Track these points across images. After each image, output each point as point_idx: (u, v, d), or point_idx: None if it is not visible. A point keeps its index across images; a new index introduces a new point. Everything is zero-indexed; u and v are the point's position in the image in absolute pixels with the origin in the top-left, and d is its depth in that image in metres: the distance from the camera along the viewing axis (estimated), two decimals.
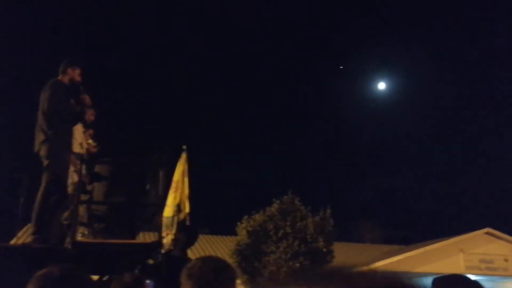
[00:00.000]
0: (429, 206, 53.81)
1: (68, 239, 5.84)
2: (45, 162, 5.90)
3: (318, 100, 54.51)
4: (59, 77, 6.31)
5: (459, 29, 46.31)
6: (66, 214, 6.36)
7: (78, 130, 7.03)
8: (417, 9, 44.52)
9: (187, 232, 6.09)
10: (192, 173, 6.83)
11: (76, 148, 6.80)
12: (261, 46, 52.83)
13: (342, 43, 54.98)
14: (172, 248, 6.07)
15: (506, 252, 20.96)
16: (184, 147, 6.80)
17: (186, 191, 6.57)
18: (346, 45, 55.39)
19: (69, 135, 6.29)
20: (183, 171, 6.62)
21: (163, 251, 6.09)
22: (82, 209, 6.48)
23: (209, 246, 22.34)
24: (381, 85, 28.55)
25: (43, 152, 5.91)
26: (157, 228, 6.40)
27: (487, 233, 21.78)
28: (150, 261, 6.22)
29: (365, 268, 19.45)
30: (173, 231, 6.20)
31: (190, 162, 6.79)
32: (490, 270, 20.25)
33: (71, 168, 6.40)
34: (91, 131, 7.52)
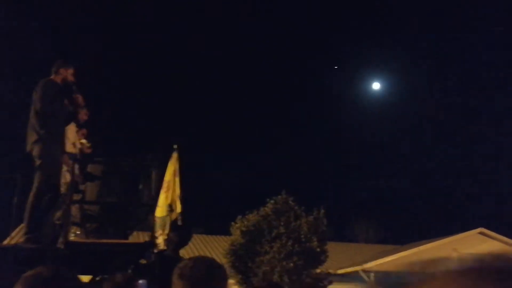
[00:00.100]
0: (423, 206, 53.98)
1: (60, 239, 5.83)
2: (38, 162, 5.88)
3: (312, 100, 54.56)
4: (51, 77, 6.29)
5: (453, 29, 46.50)
6: (58, 214, 6.34)
7: (71, 130, 7.01)
8: (411, 9, 44.66)
9: (180, 232, 6.09)
10: (187, 173, 6.81)
11: (69, 148, 6.78)
12: (253, 46, 52.82)
13: (336, 43, 55.06)
14: (165, 248, 6.06)
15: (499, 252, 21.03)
16: (175, 146, 6.77)
17: (178, 191, 6.55)
18: (340, 45, 55.50)
19: (62, 135, 6.27)
20: (174, 171, 6.61)
21: (156, 251, 6.09)
22: (74, 209, 6.47)
23: (204, 246, 22.34)
24: (376, 85, 28.60)
25: (35, 152, 5.89)
26: (150, 228, 6.39)
27: (480, 233, 21.93)
28: (143, 261, 6.22)
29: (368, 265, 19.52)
30: (166, 231, 6.19)
31: (182, 161, 6.77)
32: None
33: (64, 168, 6.38)
34: (84, 131, 7.50)
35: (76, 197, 6.40)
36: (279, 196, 17.49)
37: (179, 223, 6.39)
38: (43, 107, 5.96)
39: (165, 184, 6.54)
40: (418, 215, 51.93)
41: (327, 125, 55.14)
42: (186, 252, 16.37)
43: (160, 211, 6.36)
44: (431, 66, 49.36)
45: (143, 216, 6.81)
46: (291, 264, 15.74)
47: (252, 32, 50.31)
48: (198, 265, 2.15)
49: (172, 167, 6.63)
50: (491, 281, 0.71)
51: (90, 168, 6.74)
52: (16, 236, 10.99)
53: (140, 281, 5.34)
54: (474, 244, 21.15)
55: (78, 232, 6.78)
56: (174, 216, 6.39)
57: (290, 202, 17.41)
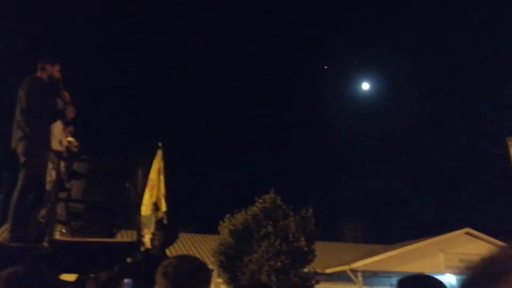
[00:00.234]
0: (411, 206, 54.36)
1: (45, 238, 5.76)
2: (22, 160, 5.81)
3: (302, 100, 54.71)
4: (37, 74, 6.21)
5: (442, 29, 46.81)
6: (43, 212, 6.28)
7: (58, 127, 6.94)
8: (400, 10, 44.92)
9: (166, 230, 6.05)
10: (176, 172, 6.76)
11: (55, 146, 6.71)
12: (243, 46, 52.81)
13: (326, 44, 55.25)
14: (151, 246, 6.02)
15: (485, 252, 21.21)
16: (160, 144, 6.70)
17: (163, 189, 6.50)
18: (330, 45, 55.67)
19: (47, 132, 6.20)
20: (159, 169, 6.56)
21: (142, 249, 6.05)
22: (60, 207, 6.40)
23: (192, 245, 22.28)
24: (365, 85, 28.73)
25: (20, 149, 5.83)
26: (137, 226, 6.35)
27: (466, 233, 22.11)
28: (129, 260, 6.17)
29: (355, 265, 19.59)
30: (151, 230, 6.15)
31: (167, 159, 6.72)
32: None
33: (50, 166, 6.32)
34: (71, 128, 7.43)
35: (62, 195, 6.34)
36: (268, 195, 17.48)
37: (165, 222, 6.35)
38: (29, 105, 5.89)
39: (150, 183, 6.48)
40: (406, 215, 52.27)
41: (316, 125, 55.34)
42: (174, 251, 16.32)
43: (145, 209, 6.31)
44: (420, 66, 49.67)
45: (130, 215, 6.76)
46: (279, 263, 15.74)
47: (243, 32, 50.29)
48: (181, 263, 2.14)
49: (156, 165, 6.58)
50: None
51: (75, 166, 6.68)
52: (3, 234, 10.88)
53: (126, 280, 5.31)
54: (461, 244, 21.32)
55: (64, 231, 6.72)
56: (159, 215, 6.35)
57: (279, 201, 17.40)
